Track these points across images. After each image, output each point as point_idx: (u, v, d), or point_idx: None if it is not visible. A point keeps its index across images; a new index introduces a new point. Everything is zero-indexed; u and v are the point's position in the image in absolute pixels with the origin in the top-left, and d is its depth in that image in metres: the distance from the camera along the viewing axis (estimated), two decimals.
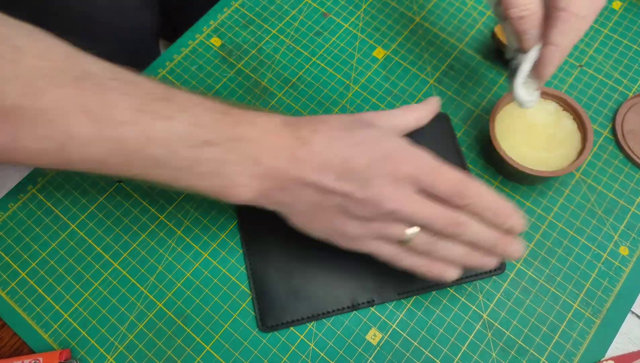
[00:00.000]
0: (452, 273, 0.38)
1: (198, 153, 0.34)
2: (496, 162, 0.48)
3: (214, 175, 0.35)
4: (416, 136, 0.49)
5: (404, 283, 0.44)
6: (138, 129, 0.33)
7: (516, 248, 0.38)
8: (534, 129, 0.47)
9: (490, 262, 0.38)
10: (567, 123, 0.47)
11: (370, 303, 0.44)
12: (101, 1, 0.58)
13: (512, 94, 0.42)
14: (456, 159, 0.48)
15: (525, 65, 0.41)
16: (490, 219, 0.36)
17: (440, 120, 0.50)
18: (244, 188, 0.36)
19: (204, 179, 0.36)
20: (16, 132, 0.32)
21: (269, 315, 0.44)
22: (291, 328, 0.44)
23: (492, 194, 0.36)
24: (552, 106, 0.47)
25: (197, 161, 0.35)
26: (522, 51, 0.41)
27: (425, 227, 0.36)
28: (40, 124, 0.32)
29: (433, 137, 0.49)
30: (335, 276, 0.43)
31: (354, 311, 0.44)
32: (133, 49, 0.64)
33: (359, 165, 0.36)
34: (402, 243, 0.37)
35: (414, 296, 0.44)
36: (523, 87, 0.42)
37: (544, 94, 0.47)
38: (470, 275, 0.44)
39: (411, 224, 0.36)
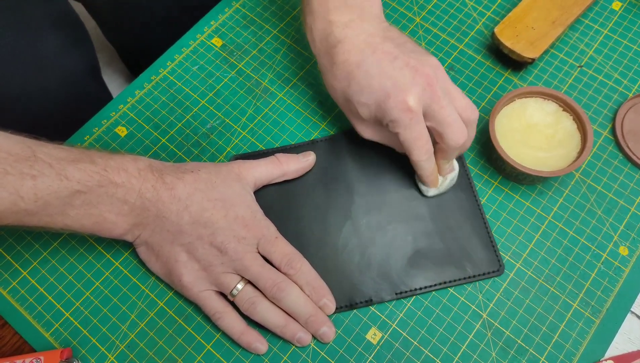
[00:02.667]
0: (261, 347, 0.42)
1: (69, 201, 0.37)
2: (496, 162, 0.48)
3: (86, 216, 0.39)
4: None
5: (401, 283, 0.44)
6: (7, 191, 0.35)
7: (327, 333, 0.42)
8: (533, 129, 0.47)
9: (306, 338, 0.42)
10: (567, 123, 0.47)
11: (368, 302, 0.44)
12: (15, 57, 0.53)
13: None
14: (457, 158, 0.48)
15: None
16: (309, 293, 0.42)
17: None
18: (113, 225, 0.40)
19: (76, 221, 0.39)
20: None
21: None
22: None
23: (315, 273, 0.43)
24: (551, 106, 0.47)
25: (69, 207, 0.37)
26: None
27: (255, 282, 0.41)
28: None
29: None
30: (332, 277, 0.43)
31: (353, 311, 0.44)
32: (69, 93, 0.60)
33: (214, 217, 0.41)
34: (231, 294, 0.41)
35: (414, 296, 0.44)
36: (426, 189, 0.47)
37: (544, 95, 0.47)
38: (469, 276, 0.44)
39: (244, 277, 0.41)
